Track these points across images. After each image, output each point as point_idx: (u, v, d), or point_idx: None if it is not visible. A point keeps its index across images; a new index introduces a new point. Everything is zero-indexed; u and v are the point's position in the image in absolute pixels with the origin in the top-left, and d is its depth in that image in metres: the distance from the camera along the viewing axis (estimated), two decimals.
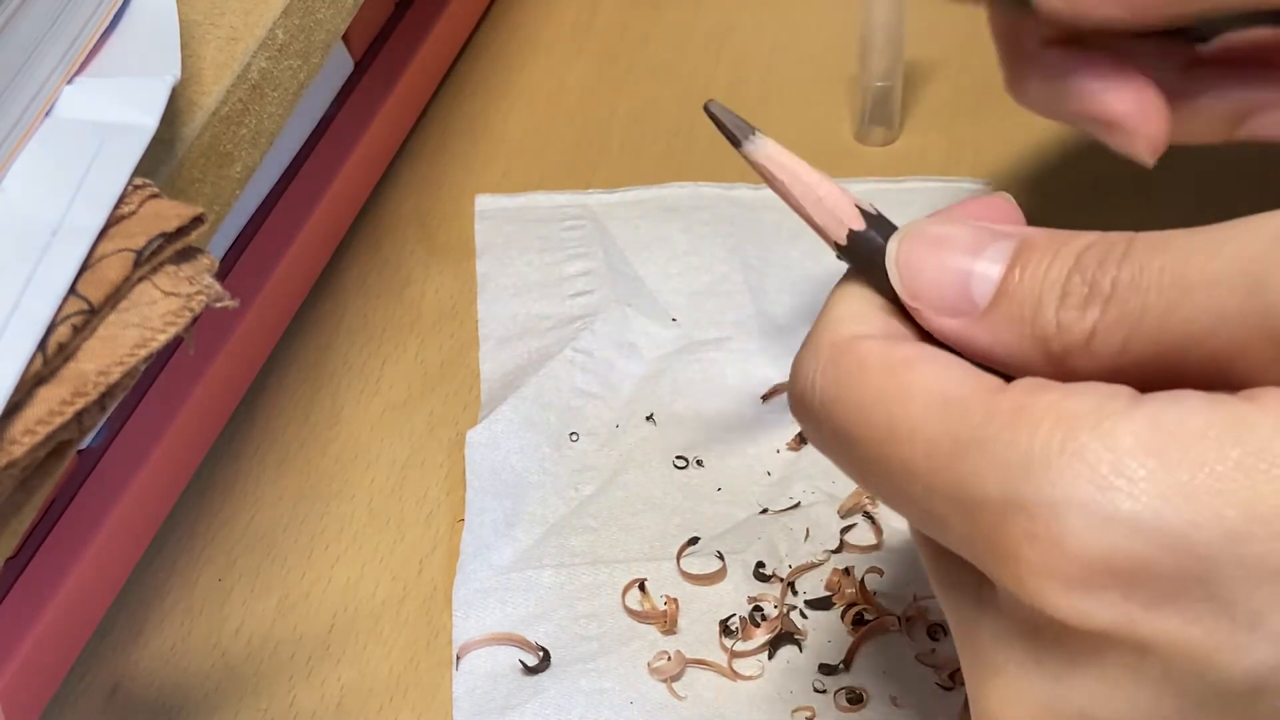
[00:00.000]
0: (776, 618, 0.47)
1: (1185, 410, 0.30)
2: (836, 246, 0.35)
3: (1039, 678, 0.31)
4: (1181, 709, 0.30)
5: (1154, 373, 0.31)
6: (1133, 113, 0.43)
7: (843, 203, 0.35)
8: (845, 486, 0.50)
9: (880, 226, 0.34)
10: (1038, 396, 0.31)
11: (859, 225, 0.34)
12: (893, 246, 0.34)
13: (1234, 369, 0.30)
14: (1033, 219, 0.58)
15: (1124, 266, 0.31)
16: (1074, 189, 0.60)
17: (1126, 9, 0.41)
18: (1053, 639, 0.31)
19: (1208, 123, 0.46)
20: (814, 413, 0.34)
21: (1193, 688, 0.30)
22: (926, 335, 0.33)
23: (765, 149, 0.35)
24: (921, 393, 0.32)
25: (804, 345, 0.34)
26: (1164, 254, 0.31)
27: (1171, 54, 0.45)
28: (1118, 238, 0.32)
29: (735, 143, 0.35)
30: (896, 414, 0.32)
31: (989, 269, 0.33)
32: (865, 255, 0.34)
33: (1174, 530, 0.29)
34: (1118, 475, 0.29)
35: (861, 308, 0.34)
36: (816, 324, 0.34)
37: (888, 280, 0.34)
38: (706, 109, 0.36)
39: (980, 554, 0.31)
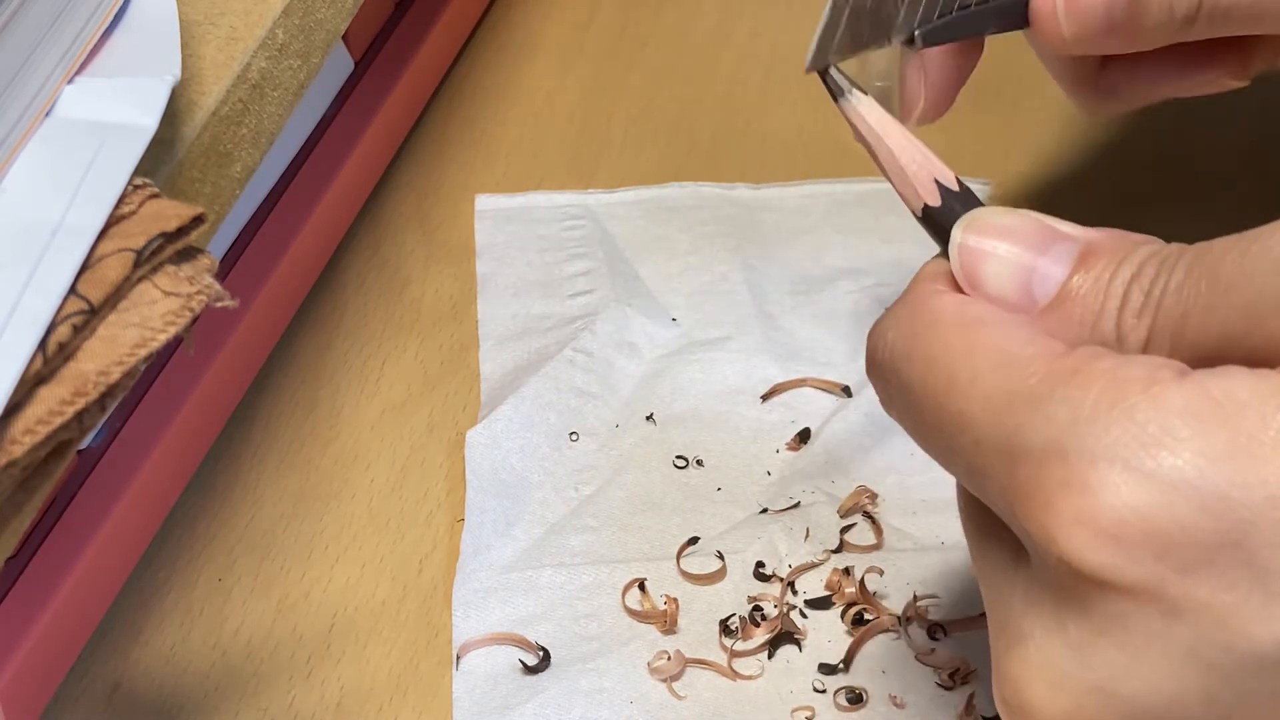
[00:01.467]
0: (776, 617, 0.47)
1: (1232, 381, 0.30)
2: (916, 216, 0.36)
3: (1063, 647, 0.31)
4: (1205, 685, 0.30)
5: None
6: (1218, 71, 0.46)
7: (923, 175, 0.35)
8: (845, 486, 0.50)
9: (961, 201, 0.35)
10: (1095, 362, 0.31)
11: (935, 201, 0.35)
12: (957, 233, 0.34)
13: (1273, 361, 0.30)
14: None
15: (1174, 274, 0.32)
16: (1074, 188, 0.60)
17: (1125, 42, 0.43)
18: (1079, 604, 0.30)
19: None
20: (884, 368, 0.34)
21: (1220, 660, 0.29)
22: None
23: (860, 107, 0.36)
24: (986, 348, 0.32)
25: (888, 309, 0.35)
26: (1204, 259, 0.31)
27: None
28: (1174, 248, 0.32)
29: (834, 97, 0.37)
30: (960, 366, 0.32)
31: (1053, 269, 0.33)
32: (941, 229, 0.35)
33: (1214, 491, 0.29)
34: (1164, 433, 0.29)
35: (943, 269, 0.35)
36: (905, 291, 0.35)
37: None
38: (812, 63, 0.37)
39: (1016, 505, 0.31)
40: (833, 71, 0.37)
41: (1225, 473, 0.29)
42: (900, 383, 0.34)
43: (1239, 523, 0.29)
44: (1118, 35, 0.43)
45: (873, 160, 0.36)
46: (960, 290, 0.34)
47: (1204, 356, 0.31)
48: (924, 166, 0.35)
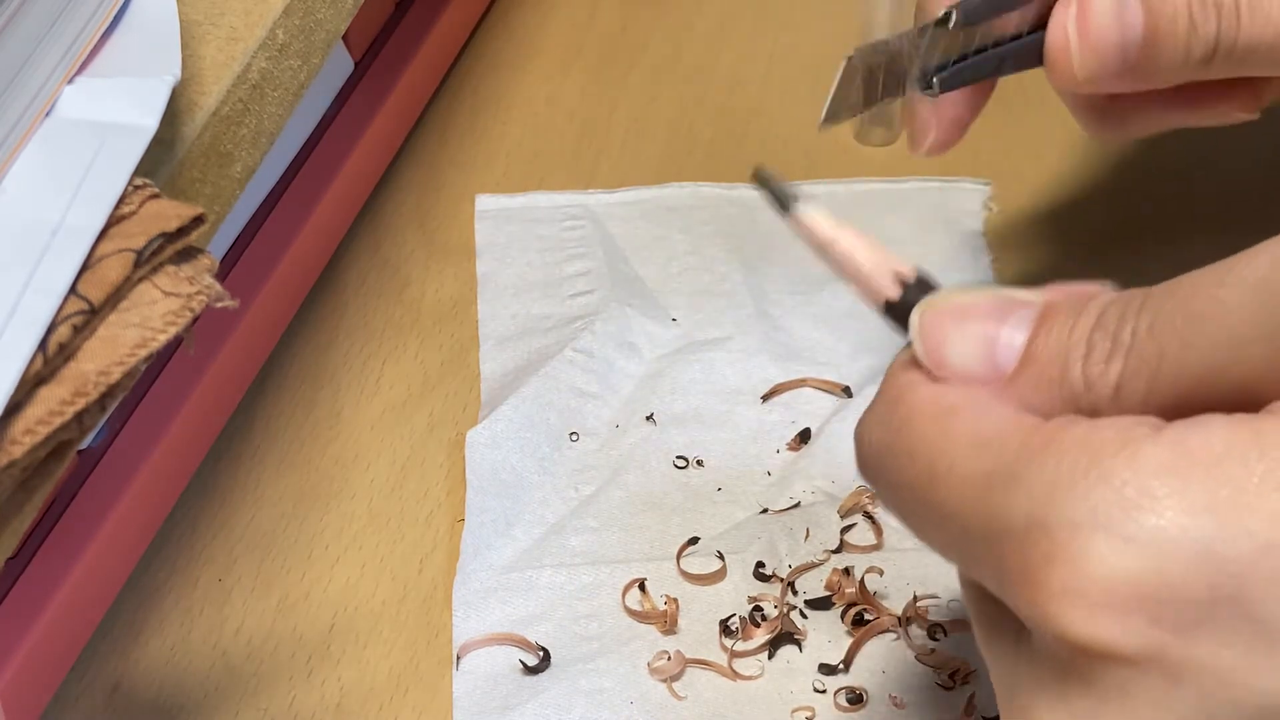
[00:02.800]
0: (776, 618, 0.47)
1: (1208, 431, 0.29)
2: (878, 312, 0.36)
3: None
4: None
5: (1185, 414, 0.31)
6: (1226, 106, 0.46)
7: (880, 271, 0.35)
8: (845, 486, 0.50)
9: (919, 290, 0.35)
10: (1067, 431, 0.31)
11: (894, 295, 0.35)
12: (915, 318, 0.34)
13: (1260, 393, 0.30)
14: (1033, 217, 0.58)
15: (1141, 316, 0.31)
16: (1073, 187, 0.60)
17: (1139, 82, 0.43)
18: (1080, 677, 0.30)
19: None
20: (871, 468, 0.34)
21: (1228, 718, 0.29)
22: None
23: (808, 216, 0.36)
24: (960, 435, 0.32)
25: (868, 408, 0.35)
26: (1174, 294, 0.31)
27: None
28: (1136, 292, 0.32)
29: (781, 210, 0.36)
30: (937, 457, 0.32)
31: (1013, 336, 0.33)
32: (904, 321, 0.35)
33: (1201, 547, 0.28)
34: (1142, 495, 0.29)
35: (913, 359, 0.35)
36: (880, 386, 0.35)
37: None
38: (755, 175, 0.36)
39: (1006, 586, 0.31)
40: (773, 184, 0.36)
41: (1210, 528, 0.28)
42: (887, 480, 0.34)
43: (1231, 577, 0.28)
44: (1132, 76, 0.43)
45: (827, 264, 0.36)
46: (932, 377, 0.34)
47: (1185, 394, 0.31)
48: (880, 264, 0.35)
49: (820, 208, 0.35)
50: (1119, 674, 0.29)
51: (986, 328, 0.33)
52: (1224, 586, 0.28)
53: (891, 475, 0.33)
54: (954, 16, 0.42)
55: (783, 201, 0.36)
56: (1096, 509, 0.29)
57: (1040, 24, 0.44)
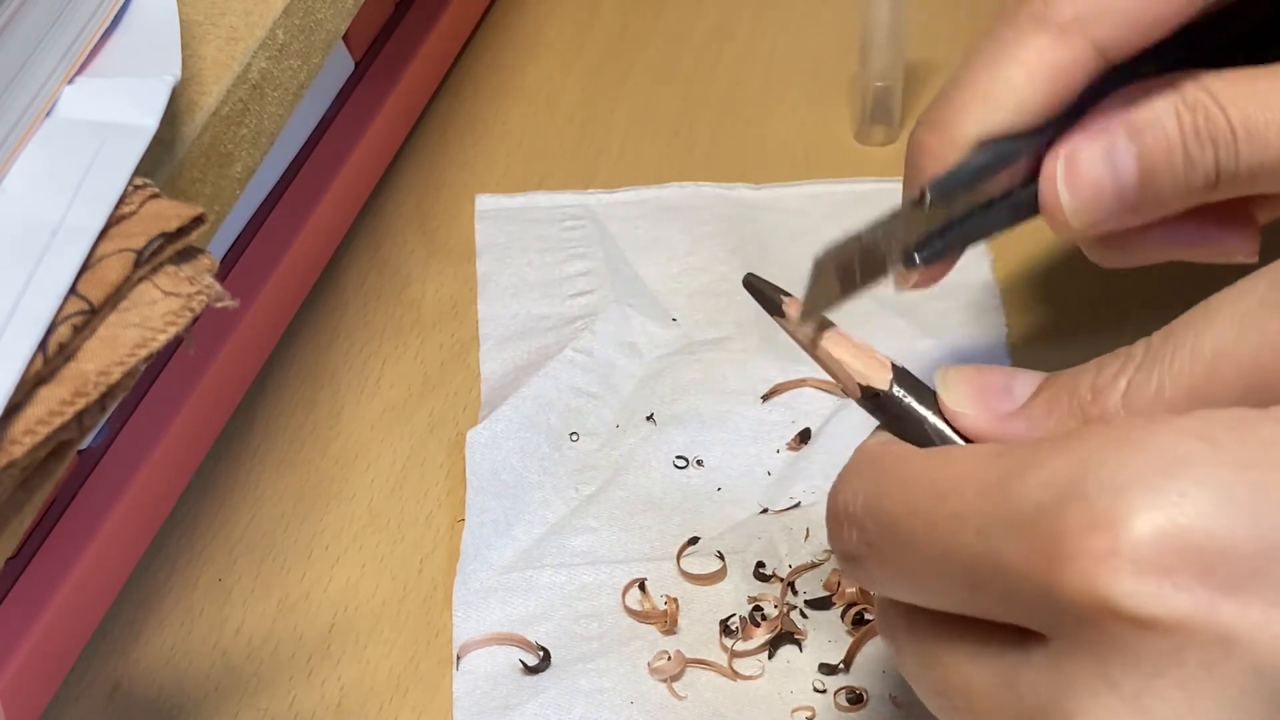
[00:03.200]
0: (776, 618, 0.47)
1: (1235, 411, 0.30)
2: (859, 401, 0.38)
3: (1118, 703, 0.29)
4: (1270, 710, 0.28)
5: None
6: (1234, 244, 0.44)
7: (859, 364, 0.38)
8: None
9: (903, 382, 0.37)
10: (1089, 425, 0.32)
11: (884, 386, 0.37)
12: (940, 371, 0.36)
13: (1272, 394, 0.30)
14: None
15: (1153, 339, 0.32)
16: None
17: (1140, 219, 0.42)
18: (1126, 653, 0.29)
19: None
20: (856, 517, 0.34)
21: None
22: None
23: (793, 324, 0.39)
24: (965, 454, 0.33)
25: (839, 476, 0.36)
26: (1188, 322, 0.32)
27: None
28: (1140, 344, 0.33)
29: (771, 312, 0.39)
30: (941, 477, 0.32)
31: (1026, 381, 0.35)
32: (889, 410, 0.37)
33: (1250, 503, 0.28)
34: (1180, 456, 0.29)
35: (888, 438, 0.36)
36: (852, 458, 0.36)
37: (910, 428, 0.36)
38: (745, 282, 0.40)
39: (1035, 571, 0.30)
40: (756, 282, 0.40)
41: (1254, 484, 0.28)
42: (878, 520, 0.34)
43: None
44: (1131, 215, 0.41)
45: (816, 362, 0.39)
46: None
47: (1198, 391, 0.31)
48: (866, 361, 0.38)
49: (809, 316, 0.39)
50: (1169, 642, 0.29)
51: (1001, 376, 0.35)
52: (1273, 542, 0.28)
53: (886, 512, 0.33)
54: (927, 196, 0.40)
55: (768, 305, 0.39)
56: (1138, 471, 0.29)
57: (1032, 176, 0.42)
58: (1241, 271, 0.33)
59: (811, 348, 0.38)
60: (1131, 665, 0.29)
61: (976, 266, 0.56)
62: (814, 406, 0.53)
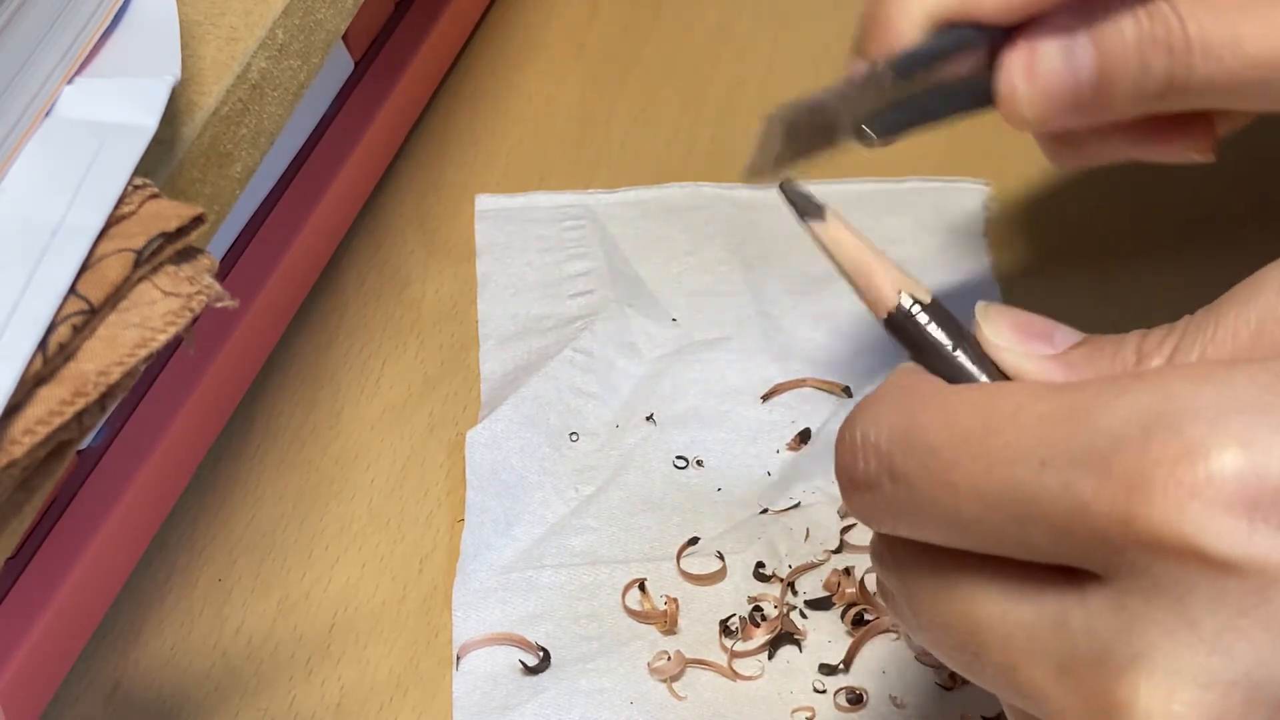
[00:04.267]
0: (776, 618, 0.47)
1: None
2: (885, 322, 0.36)
3: (1197, 643, 0.28)
4: None
5: None
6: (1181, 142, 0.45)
7: (889, 284, 0.35)
8: None
9: (930, 312, 0.35)
10: (1168, 366, 0.31)
11: (925, 298, 0.35)
12: (981, 306, 0.35)
13: None
14: (1033, 216, 0.58)
15: (1195, 315, 0.32)
16: (1073, 187, 0.60)
17: (1091, 118, 0.42)
18: (1209, 591, 0.28)
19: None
20: (878, 447, 0.33)
21: None
22: None
23: (830, 229, 0.36)
24: (1019, 388, 0.31)
25: (853, 410, 0.34)
26: (1230, 296, 0.32)
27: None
28: (1182, 321, 0.33)
29: (799, 216, 0.36)
30: (992, 407, 0.31)
31: (1068, 333, 0.34)
32: (915, 338, 0.35)
33: None
34: (1273, 393, 0.28)
35: (918, 368, 0.35)
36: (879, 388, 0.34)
37: (933, 357, 0.34)
38: (781, 188, 0.37)
39: (1115, 505, 0.29)
40: (793, 188, 0.36)
41: None
42: (910, 448, 0.32)
43: None
44: (1083, 114, 0.42)
45: (841, 275, 0.36)
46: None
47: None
48: (894, 279, 0.35)
49: (839, 221, 0.36)
50: (1255, 581, 0.28)
51: (1042, 323, 0.34)
52: None
53: (925, 444, 0.32)
54: (887, 73, 0.40)
55: (800, 209, 0.36)
56: (1233, 398, 0.28)
57: (990, 65, 0.42)
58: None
59: (842, 254, 0.36)
60: (1216, 604, 0.28)
61: (975, 264, 0.56)
62: (814, 406, 0.53)
